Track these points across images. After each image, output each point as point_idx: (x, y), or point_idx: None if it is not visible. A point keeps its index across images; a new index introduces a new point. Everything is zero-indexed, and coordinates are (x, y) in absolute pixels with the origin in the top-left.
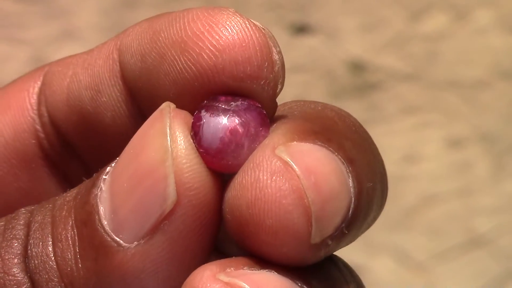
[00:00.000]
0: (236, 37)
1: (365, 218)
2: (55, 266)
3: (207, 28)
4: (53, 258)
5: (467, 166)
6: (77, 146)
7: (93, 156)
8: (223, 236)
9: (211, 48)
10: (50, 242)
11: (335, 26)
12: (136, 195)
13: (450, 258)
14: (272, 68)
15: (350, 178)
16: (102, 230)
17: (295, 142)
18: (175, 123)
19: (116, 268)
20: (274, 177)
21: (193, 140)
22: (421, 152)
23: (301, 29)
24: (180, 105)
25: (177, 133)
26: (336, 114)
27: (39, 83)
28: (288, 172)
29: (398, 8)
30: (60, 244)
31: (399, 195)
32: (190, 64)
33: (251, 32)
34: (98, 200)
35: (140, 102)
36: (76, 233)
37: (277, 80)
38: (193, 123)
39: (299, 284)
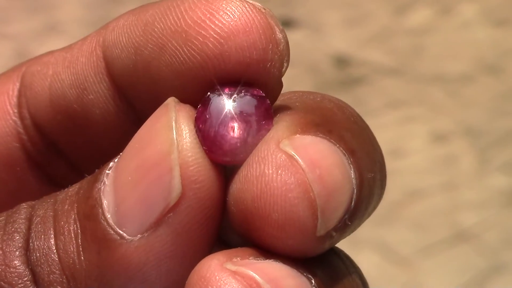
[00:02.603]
0: (239, 22)
1: (367, 208)
2: (57, 259)
3: (208, 15)
4: (55, 251)
5: (452, 161)
6: (62, 146)
7: (80, 154)
8: (226, 226)
9: (216, 36)
10: (52, 235)
11: (320, 21)
12: (141, 187)
13: (435, 253)
14: (277, 48)
15: (352, 169)
16: (106, 223)
17: (298, 135)
18: (180, 117)
19: (119, 261)
20: (279, 171)
21: (196, 135)
22: (406, 147)
23: (286, 24)
24: (182, 96)
25: (183, 126)
26: (335, 105)
27: (17, 84)
28: (293, 166)
29: (383, 2)
30: (62, 237)
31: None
32: (195, 53)
33: (253, 15)
34: (101, 194)
35: (131, 97)
36: (78, 226)
37: (282, 59)
38: (196, 117)
39: (304, 274)
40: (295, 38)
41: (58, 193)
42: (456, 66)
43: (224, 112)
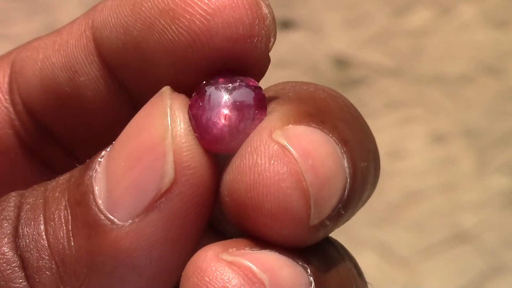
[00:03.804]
0: None
1: (360, 197)
2: (46, 245)
3: None
4: (44, 236)
5: (451, 162)
6: (55, 131)
7: (73, 138)
8: (221, 217)
9: (202, 13)
10: (42, 222)
11: (319, 22)
12: (134, 172)
13: (434, 254)
14: (264, 23)
15: (345, 159)
16: (97, 209)
17: (290, 125)
18: (175, 104)
19: (109, 246)
20: (272, 161)
21: (190, 123)
22: (405, 148)
23: (285, 25)
24: (172, 75)
25: (177, 113)
26: (328, 95)
27: (8, 71)
28: (286, 156)
29: (382, 3)
30: (52, 223)
31: (383, 191)
32: (182, 31)
33: None
34: (93, 180)
35: (122, 77)
36: (69, 212)
37: (269, 34)
38: (190, 105)
39: (300, 263)
40: (294, 39)
41: (48, 182)
42: (455, 67)
43: (218, 101)
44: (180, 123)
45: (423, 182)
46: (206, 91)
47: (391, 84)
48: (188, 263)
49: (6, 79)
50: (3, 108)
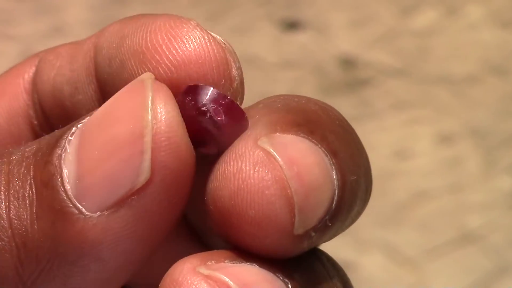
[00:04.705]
0: (193, 53)
1: (349, 212)
2: (7, 225)
3: (165, 41)
4: (5, 216)
5: (458, 162)
6: None
7: None
8: (207, 228)
9: (167, 63)
10: (3, 199)
11: (325, 22)
12: (107, 165)
13: (441, 254)
14: (230, 85)
15: (334, 170)
16: (64, 194)
17: (277, 134)
18: (157, 98)
19: (74, 236)
20: (257, 168)
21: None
22: (411, 148)
23: (291, 25)
24: None
25: (159, 108)
26: (320, 108)
27: (34, 68)
28: (271, 163)
29: (388, 3)
30: (16, 202)
31: (390, 191)
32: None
33: (209, 48)
34: (62, 161)
35: None
36: (34, 192)
37: (235, 98)
38: (177, 100)
39: (281, 277)
40: (300, 39)
41: (11, 150)
42: (462, 67)
43: (205, 100)
44: (161, 120)
45: (430, 182)
46: (195, 89)
47: (398, 85)
48: (165, 275)
49: (31, 76)
50: (23, 104)
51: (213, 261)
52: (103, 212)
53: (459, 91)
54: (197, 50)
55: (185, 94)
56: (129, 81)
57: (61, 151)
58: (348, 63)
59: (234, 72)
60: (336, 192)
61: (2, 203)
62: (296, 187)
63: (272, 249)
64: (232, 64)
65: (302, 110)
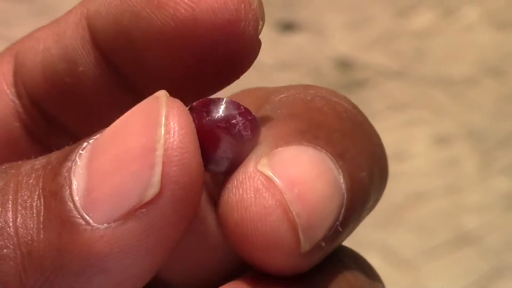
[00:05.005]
0: None
1: (363, 208)
2: (13, 233)
3: None
4: (11, 224)
5: (454, 163)
6: (62, 120)
7: (80, 127)
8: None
9: (186, 1)
10: (11, 208)
11: (322, 23)
12: (117, 177)
13: (438, 256)
14: (250, 6)
15: (341, 173)
16: (72, 205)
17: (279, 148)
18: (171, 114)
19: (80, 247)
20: (257, 195)
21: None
22: (409, 150)
23: (288, 27)
24: (164, 65)
25: (172, 124)
26: (326, 103)
27: (12, 63)
28: (271, 188)
29: (385, 5)
30: (23, 211)
31: (387, 192)
32: (168, 19)
33: None
34: (72, 173)
35: (118, 66)
36: (42, 203)
37: (256, 17)
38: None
39: None
40: (297, 41)
41: (21, 163)
42: (459, 68)
43: (230, 115)
44: (174, 135)
45: (427, 184)
46: (211, 103)
47: (395, 86)
48: None
49: (11, 72)
50: (9, 102)
51: None
52: (110, 224)
53: (456, 93)
54: None
55: (201, 107)
56: (148, 31)
57: (72, 164)
58: (344, 64)
59: None
60: (345, 196)
61: (9, 212)
62: (298, 209)
63: (284, 269)
64: None
65: (307, 111)
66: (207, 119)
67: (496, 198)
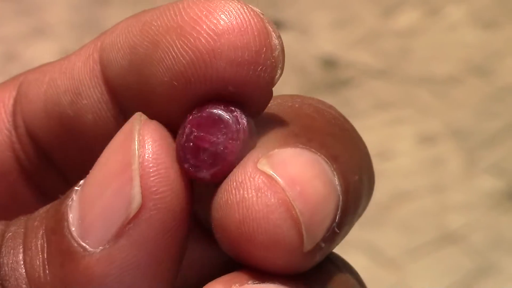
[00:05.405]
0: (234, 22)
1: (356, 210)
2: (23, 273)
3: (204, 13)
4: (22, 265)
5: (439, 162)
6: (55, 156)
7: (72, 166)
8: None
9: (209, 32)
10: (21, 250)
11: (307, 22)
12: (104, 199)
13: (422, 255)
14: (271, 53)
15: (336, 176)
16: (70, 236)
17: (276, 150)
18: (145, 129)
19: (81, 273)
20: (259, 194)
21: (176, 154)
22: (393, 149)
23: None
24: (168, 98)
25: (146, 138)
26: (314, 110)
27: (14, 93)
28: (273, 186)
29: (370, 4)
30: (29, 252)
31: None
32: (187, 48)
33: (249, 17)
34: (68, 208)
35: (123, 101)
36: (45, 240)
37: (275, 66)
38: (178, 134)
39: None
40: (282, 39)
41: (33, 213)
42: (443, 67)
43: (206, 135)
44: (148, 148)
45: (411, 183)
46: (195, 122)
47: (379, 85)
48: None
49: (11, 101)
50: (5, 130)
51: (237, 284)
52: (104, 246)
53: (440, 92)
54: (238, 19)
55: (198, 112)
56: (165, 58)
57: (69, 201)
58: (329, 63)
59: (275, 41)
60: (341, 198)
61: (20, 254)
62: (301, 207)
63: (285, 268)
64: (272, 33)
65: (297, 117)
66: (195, 133)
67: (481, 197)
